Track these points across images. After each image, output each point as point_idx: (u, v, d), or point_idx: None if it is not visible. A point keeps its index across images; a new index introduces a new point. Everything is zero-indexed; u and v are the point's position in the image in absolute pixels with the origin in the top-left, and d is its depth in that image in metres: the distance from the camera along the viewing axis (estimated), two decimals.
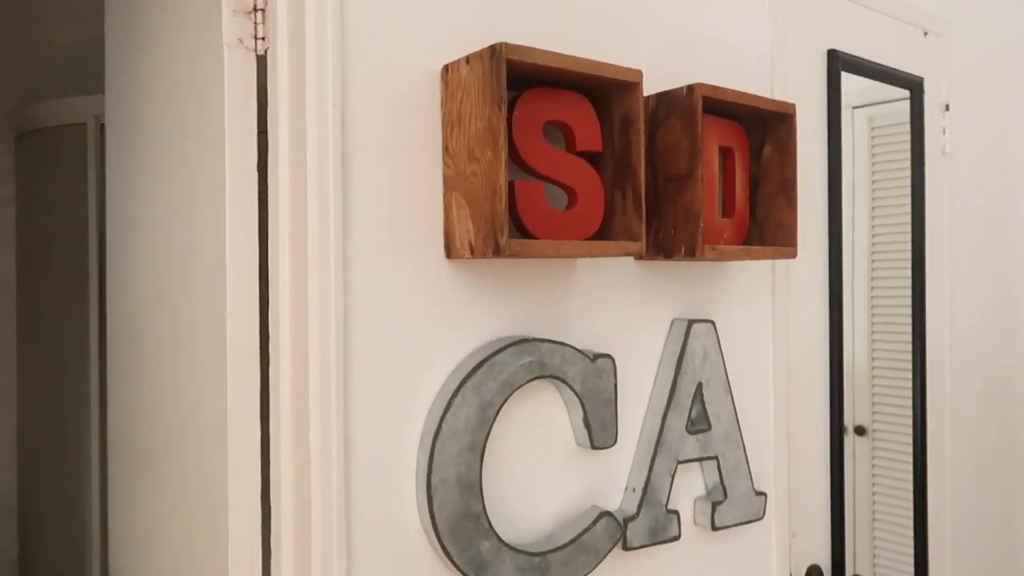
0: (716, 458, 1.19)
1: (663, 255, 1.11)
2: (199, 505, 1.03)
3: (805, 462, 1.40)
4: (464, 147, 0.92)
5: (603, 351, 1.09)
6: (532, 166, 0.94)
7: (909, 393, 1.64)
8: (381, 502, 0.92)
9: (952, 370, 1.72)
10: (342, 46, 0.89)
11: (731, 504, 1.21)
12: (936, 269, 1.67)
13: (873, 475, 1.64)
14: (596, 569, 1.05)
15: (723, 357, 1.21)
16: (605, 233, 1.00)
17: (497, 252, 0.87)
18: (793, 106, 1.16)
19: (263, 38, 0.94)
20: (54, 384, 2.02)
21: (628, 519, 1.09)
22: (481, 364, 0.95)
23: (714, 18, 1.26)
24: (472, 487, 0.94)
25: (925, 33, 1.66)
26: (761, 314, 1.32)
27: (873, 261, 1.61)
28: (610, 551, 1.06)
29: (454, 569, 0.94)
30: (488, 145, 0.88)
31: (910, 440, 1.64)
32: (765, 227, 1.19)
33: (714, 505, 1.19)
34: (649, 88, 1.12)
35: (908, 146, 1.63)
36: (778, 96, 1.33)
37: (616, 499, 1.12)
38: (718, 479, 1.20)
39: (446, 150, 0.96)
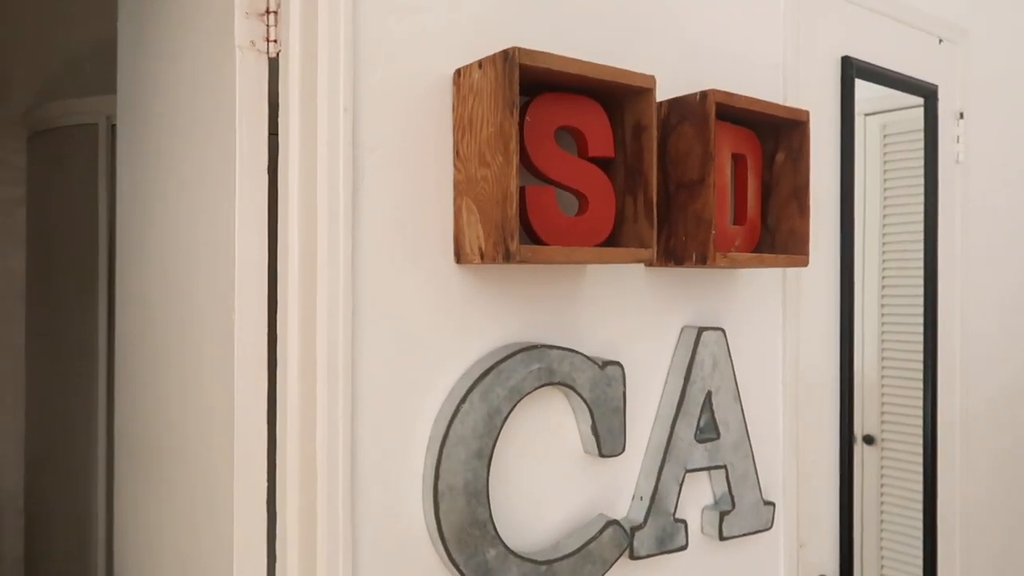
0: (725, 467, 1.18)
1: (674, 262, 1.10)
2: (205, 507, 1.03)
3: (814, 472, 1.39)
4: (475, 152, 0.92)
5: (612, 358, 1.08)
6: (543, 171, 0.93)
7: (919, 403, 1.62)
8: (387, 508, 0.91)
9: (963, 380, 1.71)
10: (354, 49, 0.89)
11: (739, 514, 1.20)
12: (948, 278, 1.66)
13: (882, 485, 1.63)
14: None
15: (733, 365, 1.20)
16: (616, 240, 1.00)
17: (507, 258, 0.86)
18: (806, 113, 1.15)
19: (275, 41, 0.94)
20: (62, 384, 2.02)
21: (635, 528, 1.08)
22: (489, 370, 0.94)
23: (728, 25, 1.25)
24: (479, 494, 0.94)
25: (940, 41, 1.65)
26: (771, 322, 1.31)
27: (884, 269, 1.60)
28: (617, 560, 1.05)
29: None
30: (499, 150, 0.87)
31: (919, 450, 1.62)
32: (777, 235, 1.18)
33: (722, 515, 1.18)
34: (662, 94, 1.11)
35: (921, 154, 1.62)
36: (791, 103, 1.32)
37: (623, 508, 1.12)
38: (726, 488, 1.19)
39: (457, 155, 0.95)
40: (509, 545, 0.96)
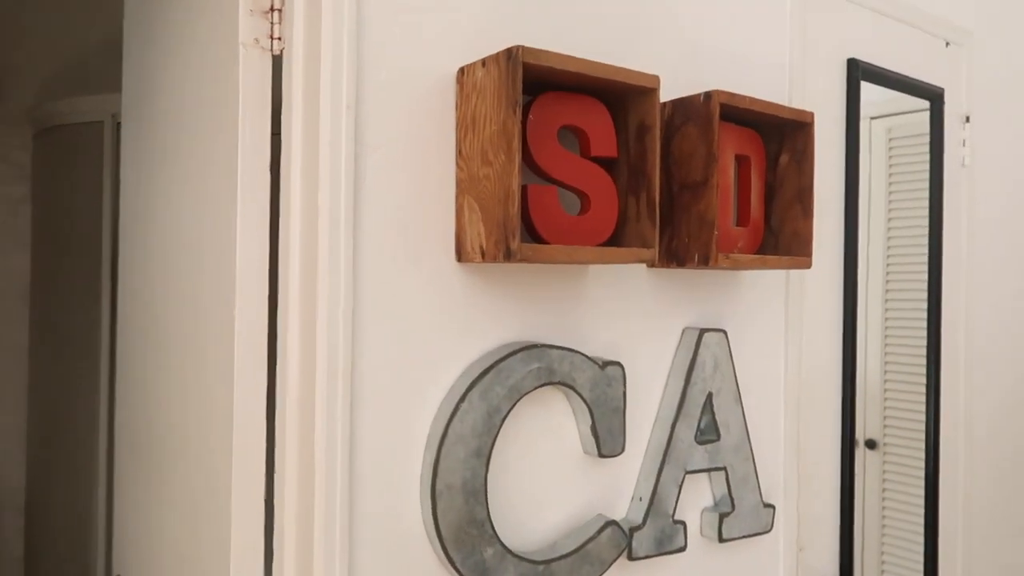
0: (725, 469, 1.18)
1: (676, 263, 1.10)
2: (204, 505, 1.03)
3: (815, 475, 1.38)
4: (478, 150, 0.91)
5: (613, 359, 1.08)
6: (546, 170, 0.93)
7: (922, 407, 1.61)
8: (385, 506, 0.91)
9: (967, 386, 1.70)
10: (358, 47, 0.89)
11: (739, 516, 1.19)
12: (953, 282, 1.65)
13: (884, 489, 1.62)
14: None
15: (734, 367, 1.20)
16: (618, 240, 0.99)
17: (508, 256, 0.86)
18: (811, 114, 1.15)
19: (279, 38, 0.94)
20: (64, 382, 2.03)
21: (634, 529, 1.08)
22: (489, 369, 0.94)
23: (733, 26, 1.25)
24: (477, 493, 0.93)
25: (947, 43, 1.64)
26: (774, 324, 1.31)
27: (888, 273, 1.59)
28: (615, 561, 1.05)
29: (457, 575, 0.93)
30: (502, 148, 0.87)
31: (922, 455, 1.62)
32: (780, 236, 1.18)
33: (721, 516, 1.17)
34: (666, 95, 1.11)
35: (927, 158, 1.61)
36: (796, 105, 1.32)
37: (622, 508, 1.11)
38: (726, 490, 1.19)
39: (459, 153, 0.95)
40: (507, 544, 0.96)
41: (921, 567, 1.61)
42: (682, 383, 1.14)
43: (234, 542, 0.93)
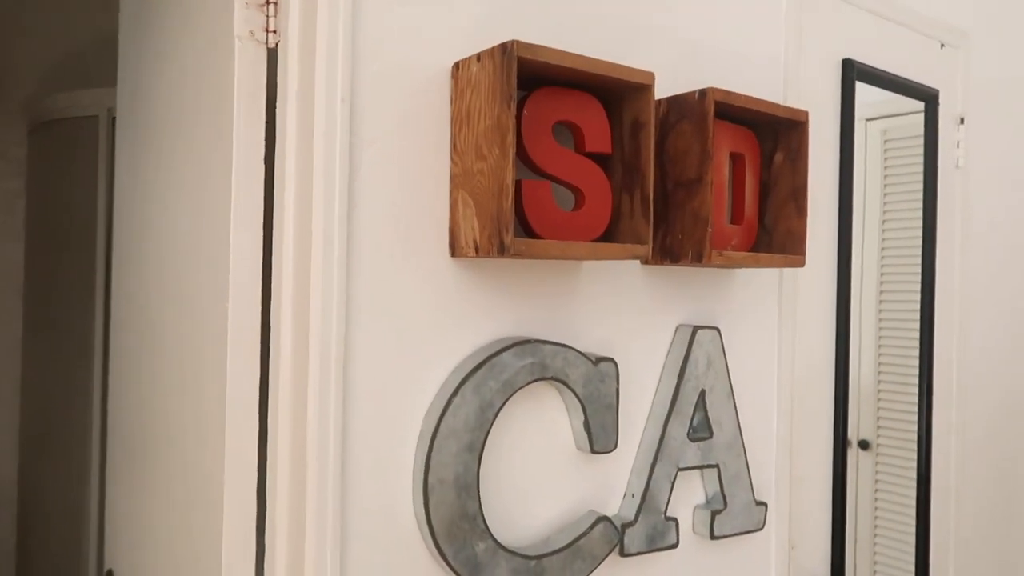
0: (717, 466, 1.18)
1: (670, 260, 1.10)
2: (195, 498, 1.03)
3: (807, 474, 1.39)
4: (472, 145, 0.92)
5: (606, 355, 1.08)
6: (540, 165, 0.93)
7: (915, 408, 1.62)
8: (377, 500, 0.91)
9: (960, 387, 1.70)
10: (353, 40, 0.89)
11: (731, 513, 1.20)
12: (946, 283, 1.66)
13: (876, 490, 1.63)
14: (592, 574, 1.04)
15: (727, 365, 1.20)
16: (612, 236, 1.00)
17: (502, 251, 0.86)
18: (806, 113, 1.15)
19: (274, 31, 0.94)
20: (58, 375, 2.02)
21: (626, 525, 1.08)
22: (482, 364, 0.94)
23: (729, 25, 1.25)
24: (469, 488, 0.93)
25: (942, 45, 1.65)
26: (767, 323, 1.31)
27: (883, 274, 1.59)
28: (607, 556, 1.05)
29: (448, 570, 0.93)
30: (496, 143, 0.87)
31: (915, 456, 1.62)
32: (774, 235, 1.18)
33: (714, 514, 1.18)
34: (662, 93, 1.11)
35: (922, 159, 1.62)
36: (792, 104, 1.32)
37: (615, 505, 1.11)
38: (718, 488, 1.19)
39: (454, 147, 0.95)
40: (499, 539, 0.96)
41: (913, 567, 1.62)
42: (675, 380, 1.14)
43: (226, 536, 0.93)
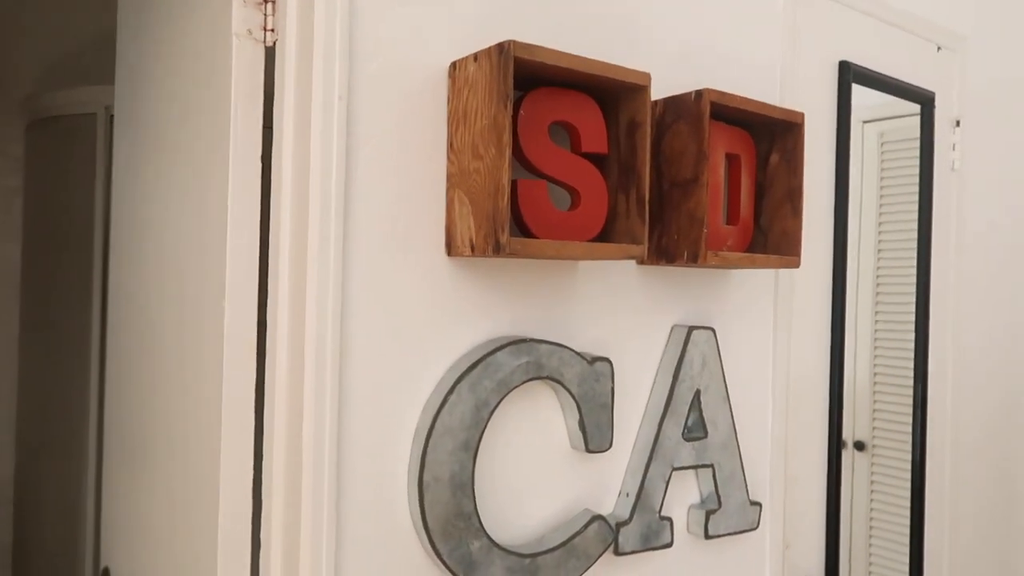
0: (712, 466, 1.18)
1: (665, 260, 1.10)
2: (192, 497, 1.03)
3: (802, 474, 1.39)
4: (468, 144, 0.92)
5: (601, 354, 1.08)
6: (536, 165, 0.94)
7: (910, 410, 1.62)
8: (372, 497, 0.91)
9: (955, 389, 1.71)
10: (350, 39, 0.89)
11: (725, 513, 1.20)
12: (941, 285, 1.66)
13: (872, 491, 1.63)
14: (587, 573, 1.05)
15: (722, 365, 1.20)
16: (607, 236, 1.00)
17: (497, 250, 0.86)
18: (802, 115, 1.15)
19: (272, 30, 0.94)
20: (55, 374, 2.02)
21: (621, 524, 1.08)
22: (478, 363, 0.95)
23: (726, 27, 1.26)
24: (464, 486, 0.94)
25: (938, 48, 1.65)
26: (762, 323, 1.31)
27: (879, 276, 1.60)
28: (601, 555, 1.05)
29: (443, 568, 0.93)
30: (492, 142, 0.88)
31: (909, 458, 1.62)
32: (769, 235, 1.19)
33: (708, 513, 1.18)
34: (659, 94, 1.12)
35: (918, 162, 1.62)
36: (788, 106, 1.33)
37: (609, 504, 1.12)
38: (713, 487, 1.19)
39: (451, 147, 0.96)
40: (493, 538, 0.97)
41: (907, 568, 1.62)
42: (670, 380, 1.15)
43: (221, 533, 0.93)
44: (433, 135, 0.95)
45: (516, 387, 0.97)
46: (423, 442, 0.92)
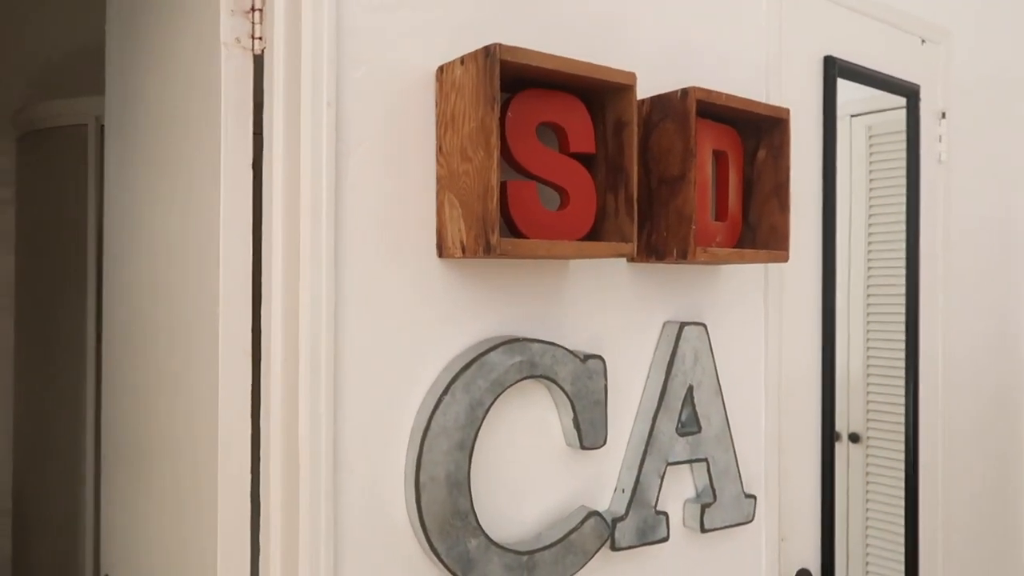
0: (706, 460, 1.20)
1: (655, 257, 1.11)
2: (190, 501, 1.04)
3: (796, 466, 1.40)
4: (457, 147, 0.93)
5: (594, 352, 1.09)
6: (524, 166, 0.95)
7: (903, 402, 1.64)
8: (369, 499, 0.92)
9: (946, 380, 1.72)
10: (338, 46, 0.90)
11: (720, 506, 1.21)
12: (930, 277, 1.68)
13: (867, 483, 1.64)
14: (584, 569, 1.05)
15: (714, 360, 1.21)
16: (597, 234, 1.01)
17: (488, 251, 0.87)
18: (787, 111, 1.16)
19: (260, 38, 0.95)
20: (51, 382, 2.02)
21: (617, 519, 1.09)
22: (471, 363, 0.96)
23: (711, 25, 1.27)
24: (460, 485, 0.95)
25: (923, 41, 1.67)
26: (753, 318, 1.32)
27: (870, 268, 1.61)
28: (598, 551, 1.06)
29: (441, 567, 0.94)
30: (480, 145, 0.89)
31: (903, 449, 1.64)
32: (758, 231, 1.20)
33: (703, 507, 1.19)
34: (646, 93, 1.13)
35: (905, 154, 1.64)
36: (774, 102, 1.34)
37: (605, 500, 1.13)
38: (708, 481, 1.20)
39: (440, 150, 0.96)
40: (491, 536, 0.97)
41: (903, 558, 1.63)
42: (663, 376, 1.16)
43: (220, 536, 0.94)
44: (422, 139, 0.96)
45: (510, 386, 0.98)
46: (419, 442, 0.93)
